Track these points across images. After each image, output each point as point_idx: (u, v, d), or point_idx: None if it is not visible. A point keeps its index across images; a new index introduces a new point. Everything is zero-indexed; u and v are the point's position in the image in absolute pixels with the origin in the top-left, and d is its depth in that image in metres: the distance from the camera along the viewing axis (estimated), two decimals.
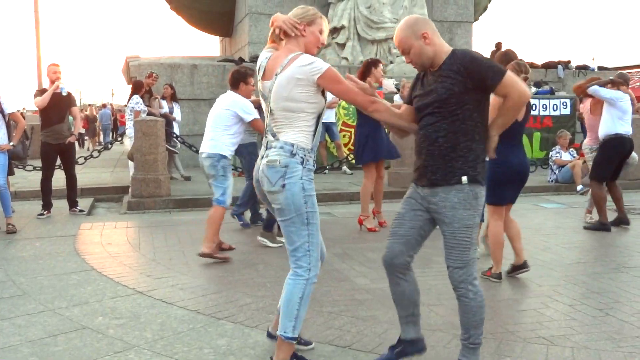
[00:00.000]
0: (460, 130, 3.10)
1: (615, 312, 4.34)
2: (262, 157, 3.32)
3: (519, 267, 5.25)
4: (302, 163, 3.22)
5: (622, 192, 7.65)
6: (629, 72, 25.32)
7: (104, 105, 31.28)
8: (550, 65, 17.09)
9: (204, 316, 4.29)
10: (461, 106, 3.09)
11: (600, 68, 18.46)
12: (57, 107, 8.36)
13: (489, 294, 4.80)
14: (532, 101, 13.68)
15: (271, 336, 3.64)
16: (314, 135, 3.30)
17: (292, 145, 3.21)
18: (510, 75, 3.06)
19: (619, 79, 7.51)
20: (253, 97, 6.60)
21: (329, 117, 12.19)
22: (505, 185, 5.06)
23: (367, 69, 7.06)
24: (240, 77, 6.15)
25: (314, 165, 3.32)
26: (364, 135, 7.14)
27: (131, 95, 11.00)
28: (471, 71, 3.06)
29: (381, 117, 3.31)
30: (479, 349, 3.24)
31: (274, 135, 3.28)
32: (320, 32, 3.39)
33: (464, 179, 3.09)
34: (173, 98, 12.01)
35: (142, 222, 7.87)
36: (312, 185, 3.28)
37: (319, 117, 3.30)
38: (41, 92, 8.56)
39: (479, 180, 3.13)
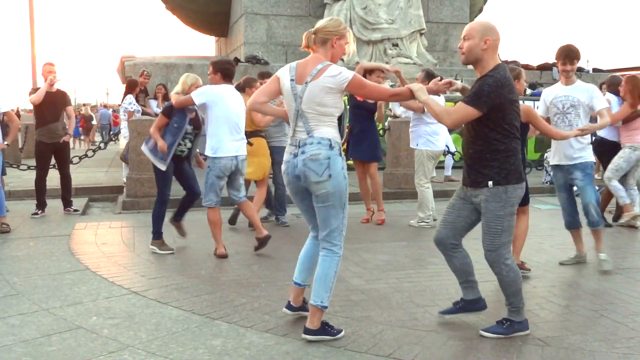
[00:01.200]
0: (485, 144, 3.75)
1: (610, 313, 4.35)
2: (296, 155, 3.74)
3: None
4: (339, 154, 3.73)
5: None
6: (623, 74, 25.45)
7: (104, 106, 31.23)
8: (545, 67, 17.11)
9: (199, 316, 4.28)
10: (481, 123, 3.71)
11: (595, 70, 18.51)
12: (52, 106, 8.33)
13: (484, 295, 4.80)
14: (528, 103, 13.71)
15: (291, 308, 4.15)
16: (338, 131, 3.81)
17: (329, 139, 3.71)
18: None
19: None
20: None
21: None
22: None
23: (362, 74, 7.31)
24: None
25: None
26: (352, 134, 7.70)
27: (125, 95, 10.96)
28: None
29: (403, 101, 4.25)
30: (522, 310, 3.93)
31: (308, 133, 3.71)
32: (347, 44, 3.86)
33: (490, 183, 3.75)
34: (165, 98, 11.98)
35: (136, 222, 7.85)
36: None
37: (340, 117, 3.82)
38: (36, 91, 8.53)
39: (507, 180, 3.74)
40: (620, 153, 7.26)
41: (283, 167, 3.87)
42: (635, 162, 7.26)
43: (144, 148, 6.19)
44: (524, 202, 5.35)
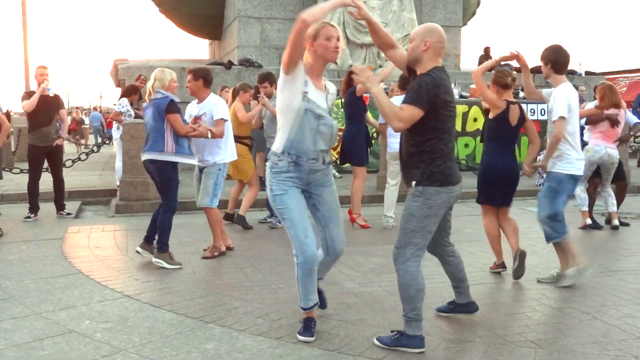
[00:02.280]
0: (415, 144, 3.71)
1: (602, 315, 4.37)
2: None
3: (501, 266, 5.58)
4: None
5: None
6: (616, 77, 25.60)
7: (94, 108, 31.10)
8: (538, 70, 17.10)
9: (192, 320, 4.27)
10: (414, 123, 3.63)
11: (588, 73, 18.59)
12: (45, 109, 8.31)
13: (477, 298, 4.82)
14: (531, 106, 13.74)
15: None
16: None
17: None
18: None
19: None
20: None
21: None
22: (493, 187, 5.39)
23: (350, 79, 7.51)
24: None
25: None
26: (348, 138, 7.80)
27: (120, 98, 10.93)
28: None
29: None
30: (414, 323, 3.74)
31: None
32: (328, 38, 3.79)
33: (413, 183, 3.74)
34: None
35: (130, 226, 7.84)
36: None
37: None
38: (28, 94, 8.50)
39: (430, 181, 3.68)
40: None
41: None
42: (591, 165, 7.48)
43: (166, 157, 5.69)
44: (503, 202, 5.45)
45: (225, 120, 6.15)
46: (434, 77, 3.64)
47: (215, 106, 6.09)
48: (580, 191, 7.68)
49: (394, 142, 7.50)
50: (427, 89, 3.59)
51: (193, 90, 6.11)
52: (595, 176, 7.69)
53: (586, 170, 7.40)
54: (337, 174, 12.51)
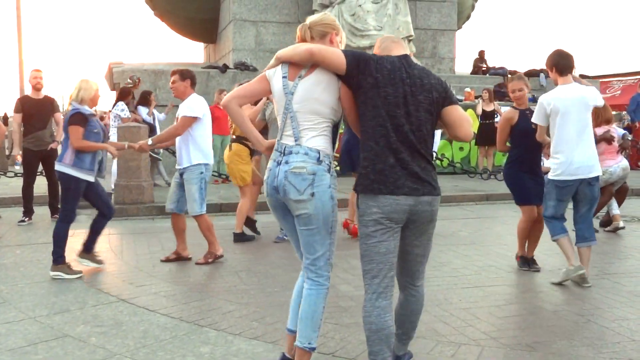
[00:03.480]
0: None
1: (597, 318, 4.38)
2: (279, 163, 3.17)
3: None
4: (328, 170, 3.15)
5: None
6: (610, 81, 25.69)
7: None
8: (532, 73, 17.22)
9: (187, 324, 4.26)
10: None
11: (582, 76, 18.64)
12: (40, 113, 8.30)
13: (472, 300, 4.83)
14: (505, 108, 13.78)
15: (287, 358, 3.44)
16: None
17: (318, 151, 3.13)
18: None
19: None
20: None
21: None
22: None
23: None
24: None
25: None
26: (349, 144, 7.23)
27: (116, 102, 10.93)
28: None
29: None
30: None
31: (295, 140, 3.15)
32: (341, 42, 3.36)
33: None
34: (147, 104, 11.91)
35: (124, 229, 7.82)
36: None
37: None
38: (21, 100, 8.50)
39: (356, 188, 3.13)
40: None
41: (265, 175, 3.28)
42: (608, 184, 7.60)
43: (63, 167, 5.57)
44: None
45: (194, 118, 5.82)
46: None
47: (183, 104, 5.90)
48: None
49: None
50: None
51: (180, 91, 5.92)
52: (607, 185, 7.74)
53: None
54: None
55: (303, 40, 3.32)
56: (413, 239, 3.17)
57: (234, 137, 7.08)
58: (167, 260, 6.05)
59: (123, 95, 10.95)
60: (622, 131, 8.78)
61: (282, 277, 5.40)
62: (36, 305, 4.69)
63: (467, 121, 3.22)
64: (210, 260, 6.02)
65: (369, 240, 3.05)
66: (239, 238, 7.09)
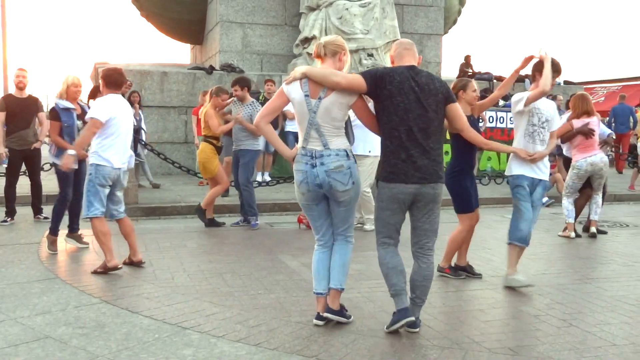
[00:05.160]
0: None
1: (579, 322, 4.41)
2: (314, 165, 4.04)
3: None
4: (355, 161, 4.15)
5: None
6: (593, 87, 25.94)
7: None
8: (517, 79, 17.36)
9: (170, 325, 4.24)
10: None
11: (566, 82, 18.80)
12: (23, 112, 8.24)
13: (456, 304, 4.85)
14: (500, 114, 13.82)
15: (320, 318, 4.24)
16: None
17: (345, 150, 4.08)
18: None
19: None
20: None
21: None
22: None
23: None
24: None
25: None
26: None
27: (89, 101, 10.77)
28: None
29: None
30: (395, 299, 4.12)
31: (324, 145, 4.03)
32: (346, 62, 4.24)
33: None
34: (140, 105, 11.87)
35: None
36: None
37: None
38: (5, 99, 8.42)
39: (378, 177, 4.19)
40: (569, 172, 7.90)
41: (300, 176, 4.09)
42: (579, 179, 7.69)
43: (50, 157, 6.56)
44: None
45: (95, 120, 5.52)
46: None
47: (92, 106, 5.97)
48: (568, 203, 7.78)
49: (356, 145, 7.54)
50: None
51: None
52: (587, 186, 7.79)
53: (575, 184, 7.76)
54: None
55: (318, 55, 4.17)
56: (420, 216, 4.09)
57: (202, 136, 8.12)
58: (125, 264, 5.85)
59: (93, 93, 10.81)
60: (608, 131, 8.90)
61: (266, 280, 5.39)
62: (17, 306, 4.64)
63: (464, 116, 4.33)
64: (99, 270, 5.58)
65: (383, 212, 4.10)
66: (210, 223, 7.84)
